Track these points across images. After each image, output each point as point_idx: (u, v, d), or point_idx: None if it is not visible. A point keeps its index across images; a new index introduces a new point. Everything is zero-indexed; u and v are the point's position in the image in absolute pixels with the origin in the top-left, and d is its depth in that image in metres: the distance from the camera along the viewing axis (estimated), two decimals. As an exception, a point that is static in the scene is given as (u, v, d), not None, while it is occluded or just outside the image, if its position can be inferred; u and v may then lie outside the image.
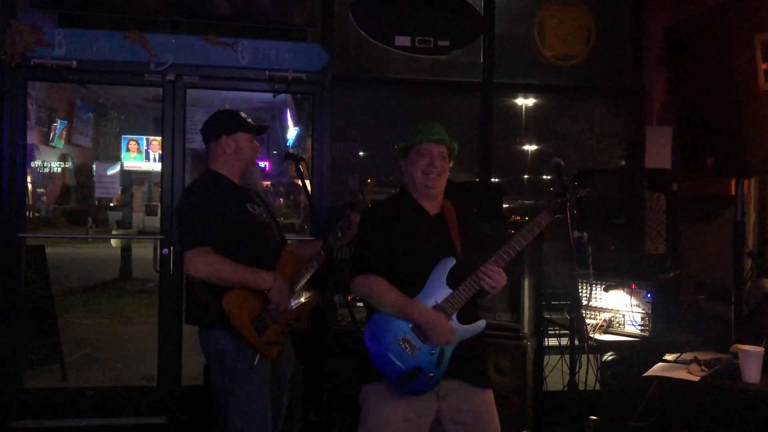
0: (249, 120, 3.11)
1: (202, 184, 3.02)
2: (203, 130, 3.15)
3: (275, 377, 3.07)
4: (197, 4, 4.71)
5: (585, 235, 2.62)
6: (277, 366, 3.07)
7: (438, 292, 2.57)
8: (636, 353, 3.90)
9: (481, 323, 2.61)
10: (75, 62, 4.59)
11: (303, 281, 3.07)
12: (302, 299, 3.11)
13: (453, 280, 2.58)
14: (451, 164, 2.77)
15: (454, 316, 2.56)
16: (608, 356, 4.19)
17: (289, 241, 3.30)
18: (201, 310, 2.95)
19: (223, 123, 3.09)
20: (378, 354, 2.55)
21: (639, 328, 3.98)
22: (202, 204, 2.90)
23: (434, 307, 2.55)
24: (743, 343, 3.28)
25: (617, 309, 4.07)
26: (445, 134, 2.72)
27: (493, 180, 5.30)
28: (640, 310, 3.98)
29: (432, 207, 2.75)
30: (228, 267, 2.83)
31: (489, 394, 2.72)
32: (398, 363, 2.52)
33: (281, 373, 3.13)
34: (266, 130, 3.20)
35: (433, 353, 2.54)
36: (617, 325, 4.06)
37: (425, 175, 2.66)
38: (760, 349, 3.10)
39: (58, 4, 4.70)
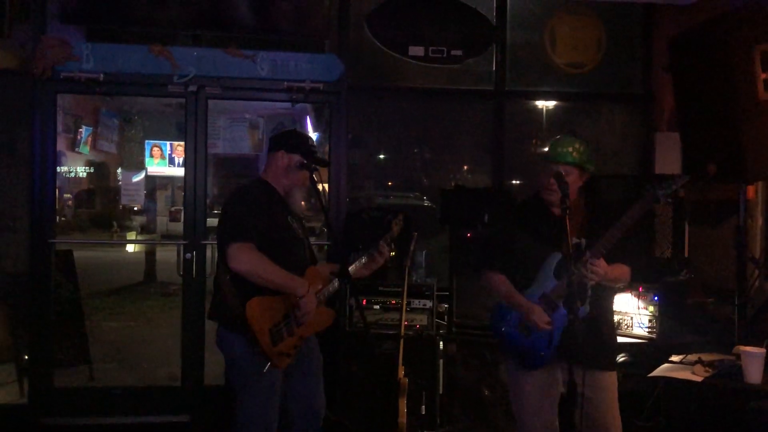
0: (313, 149, 3.22)
1: (252, 187, 3.20)
2: (271, 139, 3.34)
3: (300, 382, 3.22)
4: (219, 18, 4.85)
5: (583, 241, 2.75)
6: (302, 373, 3.23)
7: (545, 283, 2.98)
8: (643, 355, 3.99)
9: (582, 310, 2.83)
10: (102, 75, 4.78)
11: (324, 298, 3.19)
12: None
13: (562, 273, 2.92)
14: (585, 175, 3.07)
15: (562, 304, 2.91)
16: (619, 357, 4.27)
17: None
18: (224, 309, 3.05)
19: (287, 140, 3.24)
20: (506, 334, 3.09)
21: (646, 330, 4.08)
22: (249, 203, 3.04)
23: (541, 296, 2.96)
24: (747, 345, 3.37)
25: (625, 311, 4.17)
26: (571, 154, 3.02)
27: (511, 184, 5.42)
28: (647, 312, 4.08)
29: (556, 210, 3.05)
30: (270, 266, 2.91)
31: (605, 375, 3.01)
32: (517, 343, 3.05)
33: (311, 380, 3.27)
34: (325, 165, 3.34)
35: (542, 336, 2.95)
36: (625, 327, 4.16)
37: (545, 191, 3.05)
38: (762, 350, 3.18)
39: (86, 19, 4.86)
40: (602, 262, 2.84)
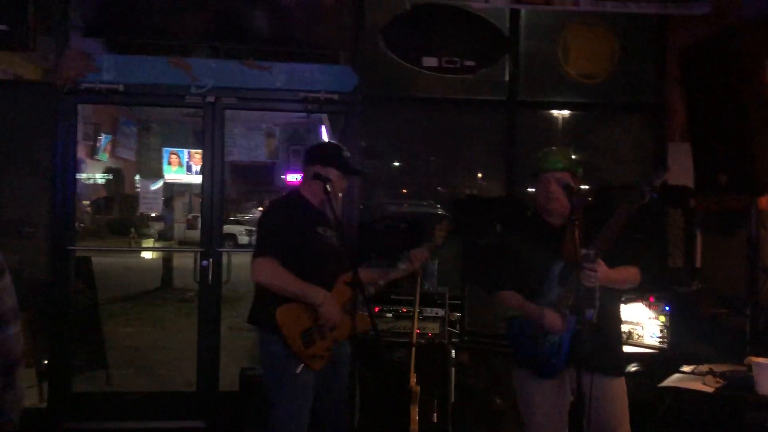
0: (347, 159, 3.32)
1: (282, 202, 3.39)
2: (306, 151, 3.44)
3: (328, 385, 3.30)
4: (236, 30, 4.95)
5: (591, 252, 2.77)
6: (331, 375, 3.30)
7: (552, 291, 3.04)
8: (654, 365, 3.99)
9: (589, 314, 2.84)
10: (122, 86, 4.88)
11: (356, 305, 3.26)
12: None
13: (565, 280, 2.97)
14: (576, 181, 3.12)
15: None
16: (631, 367, 4.28)
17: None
18: (262, 314, 3.20)
19: (322, 153, 3.35)
20: (519, 345, 3.18)
21: (657, 340, 4.09)
22: (276, 220, 3.23)
23: (550, 304, 3.01)
24: (759, 356, 3.37)
25: (636, 321, 4.18)
26: (562, 161, 3.09)
27: (523, 193, 5.44)
28: (658, 322, 4.09)
29: (556, 220, 3.13)
30: (285, 279, 3.08)
31: (612, 382, 3.03)
32: (530, 353, 3.11)
33: (337, 382, 3.35)
34: (358, 174, 3.44)
35: (552, 344, 3.01)
36: (636, 336, 4.17)
37: (546, 201, 3.10)
38: (773, 361, 3.20)
39: (107, 31, 4.98)
40: (600, 264, 2.84)
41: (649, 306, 4.12)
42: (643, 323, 4.18)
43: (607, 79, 5.45)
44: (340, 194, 3.40)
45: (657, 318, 4.11)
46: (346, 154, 3.35)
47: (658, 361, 3.99)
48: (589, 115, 5.71)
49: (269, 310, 3.10)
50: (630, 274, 3.05)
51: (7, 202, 4.97)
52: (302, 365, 3.12)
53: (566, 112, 5.64)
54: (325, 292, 3.13)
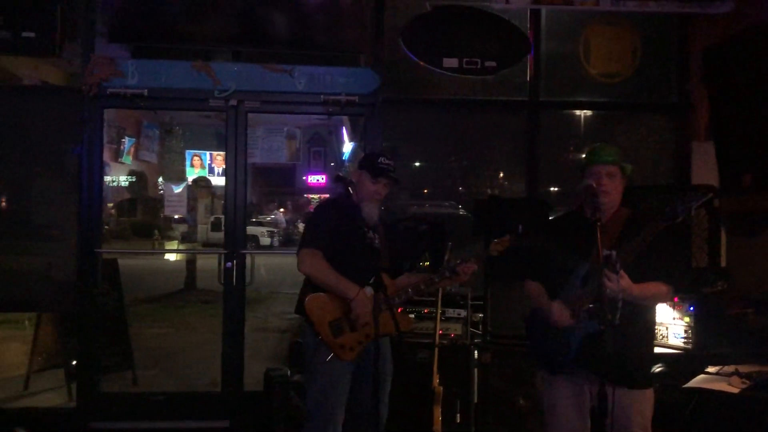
0: (380, 164, 3.42)
1: (331, 201, 3.68)
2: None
3: (363, 380, 3.35)
4: (257, 34, 5.00)
5: (613, 253, 2.74)
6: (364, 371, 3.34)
7: (574, 290, 2.99)
8: (679, 365, 3.97)
9: (598, 323, 2.82)
10: (146, 90, 4.97)
11: (391, 304, 3.28)
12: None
13: (587, 282, 2.94)
14: (625, 179, 3.09)
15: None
16: (656, 368, 4.25)
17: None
18: (301, 304, 3.37)
19: (362, 159, 3.56)
20: (532, 338, 3.26)
21: (682, 340, 4.06)
22: (323, 215, 3.47)
23: (563, 299, 3.00)
24: (786, 356, 3.35)
25: (660, 322, 4.15)
26: (613, 155, 3.06)
27: (545, 194, 5.44)
28: (682, 323, 4.06)
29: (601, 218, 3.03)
30: (325, 271, 3.28)
31: (633, 394, 2.95)
32: (541, 347, 3.17)
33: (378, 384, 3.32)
34: (383, 175, 3.42)
35: (561, 341, 3.01)
36: (660, 337, 4.14)
37: (596, 194, 2.97)
38: (800, 362, 3.17)
39: (132, 37, 5.06)
40: (622, 277, 2.76)
41: (674, 306, 4.10)
42: (667, 324, 4.16)
43: (629, 78, 5.43)
44: (376, 198, 3.44)
45: (681, 318, 4.08)
46: (380, 159, 3.45)
47: (683, 362, 3.96)
48: (612, 114, 5.69)
49: (304, 299, 3.32)
50: (658, 291, 2.96)
51: (36, 205, 5.08)
52: (331, 354, 3.26)
53: (588, 112, 5.62)
54: (357, 288, 3.26)
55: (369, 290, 3.24)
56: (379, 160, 3.43)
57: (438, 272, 3.46)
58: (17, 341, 6.43)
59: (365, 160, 3.52)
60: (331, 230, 3.36)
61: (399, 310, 4.34)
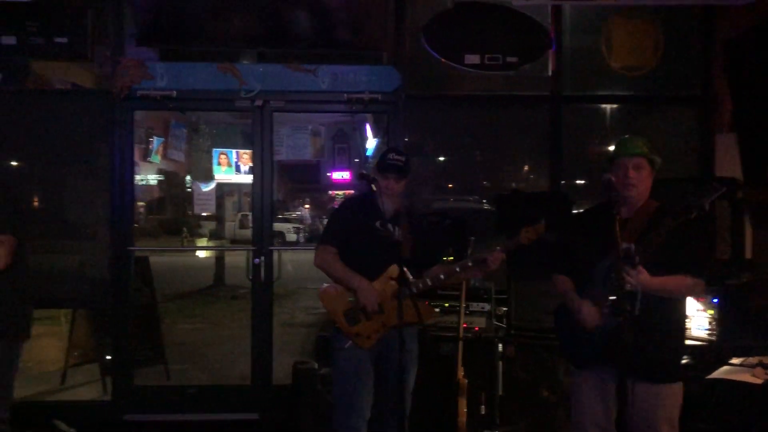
0: (387, 160, 3.51)
1: (348, 199, 3.91)
2: None
3: (390, 375, 3.43)
4: (281, 35, 5.08)
5: (632, 247, 2.77)
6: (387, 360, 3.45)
7: (596, 285, 3.02)
8: (703, 357, 3.98)
9: (617, 316, 2.83)
10: (175, 92, 5.09)
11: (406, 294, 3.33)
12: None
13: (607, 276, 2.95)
14: (653, 172, 3.09)
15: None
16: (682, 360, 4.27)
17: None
18: None
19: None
20: (560, 333, 3.30)
21: (706, 332, 4.07)
22: (337, 214, 3.70)
23: (586, 297, 3.04)
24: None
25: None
26: (641, 147, 3.04)
27: (568, 188, 5.46)
28: (706, 315, 4.07)
29: (625, 211, 3.08)
30: (333, 264, 3.48)
31: (656, 388, 2.96)
32: (566, 342, 3.23)
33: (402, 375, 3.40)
34: (391, 169, 3.48)
35: (587, 336, 3.03)
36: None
37: (623, 186, 3.01)
38: (824, 354, 3.17)
39: (160, 40, 5.17)
40: (641, 272, 2.77)
41: (697, 298, 4.10)
42: (691, 315, 4.16)
43: (651, 71, 5.39)
44: (388, 192, 3.49)
45: (705, 310, 4.09)
46: (389, 155, 3.53)
47: (707, 354, 3.97)
48: (635, 108, 5.68)
49: None
50: (680, 284, 2.94)
51: (70, 205, 5.23)
52: (350, 342, 3.42)
53: (611, 106, 5.62)
54: (360, 279, 3.41)
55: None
56: (387, 156, 3.52)
57: (460, 263, 3.48)
58: (54, 337, 6.61)
59: (378, 156, 3.64)
60: (345, 227, 3.54)
61: (426, 303, 4.44)
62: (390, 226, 3.47)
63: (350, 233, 3.51)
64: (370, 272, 3.43)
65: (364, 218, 3.50)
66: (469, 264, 3.46)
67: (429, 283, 3.47)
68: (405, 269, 3.27)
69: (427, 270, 3.56)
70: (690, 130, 5.48)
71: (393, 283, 3.34)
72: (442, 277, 3.48)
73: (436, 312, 3.61)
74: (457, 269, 3.47)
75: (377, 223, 3.47)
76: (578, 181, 5.77)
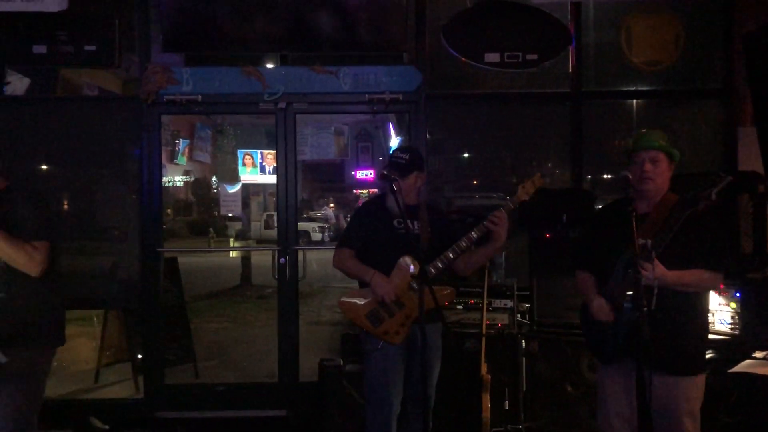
0: (391, 158, 3.67)
1: (366, 202, 4.03)
2: None
3: (415, 370, 3.54)
4: (303, 38, 5.15)
5: (648, 242, 2.80)
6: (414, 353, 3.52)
7: (616, 280, 3.05)
8: (726, 351, 3.98)
9: (626, 308, 2.95)
10: (200, 96, 5.19)
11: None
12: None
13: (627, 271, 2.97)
14: (672, 165, 3.11)
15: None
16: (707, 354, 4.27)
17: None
18: None
19: None
20: (584, 329, 3.32)
21: (728, 326, 4.07)
22: (354, 217, 3.86)
23: (605, 292, 3.08)
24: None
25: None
26: (657, 140, 3.06)
27: (590, 184, 5.46)
28: (728, 309, 4.07)
29: (644, 206, 3.11)
30: (347, 263, 3.64)
31: (674, 380, 2.98)
32: (590, 337, 3.27)
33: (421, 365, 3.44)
34: (392, 167, 3.57)
35: (607, 331, 3.08)
36: (707, 323, 4.15)
37: (639, 180, 3.05)
38: None
39: (185, 46, 5.27)
40: (656, 265, 2.81)
41: (719, 293, 4.11)
42: (714, 310, 4.16)
43: (672, 65, 5.38)
44: (405, 189, 3.57)
45: (728, 304, 4.09)
46: (394, 153, 3.69)
47: (730, 348, 3.97)
48: (656, 103, 5.67)
49: None
50: (697, 278, 2.97)
51: (101, 208, 5.38)
52: (381, 342, 3.51)
53: (632, 101, 5.61)
54: (372, 272, 3.51)
55: (407, 260, 3.46)
56: (392, 155, 3.67)
57: (465, 237, 3.49)
58: (87, 337, 6.79)
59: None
60: (362, 230, 3.67)
61: (446, 303, 4.48)
62: (408, 222, 3.51)
63: (369, 235, 3.63)
64: (391, 269, 3.52)
65: (382, 218, 3.61)
66: (473, 235, 3.47)
67: (440, 265, 3.49)
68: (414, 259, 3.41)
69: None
70: (713, 124, 5.45)
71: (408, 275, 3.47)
72: (451, 255, 3.48)
73: (452, 292, 3.61)
74: (463, 243, 3.48)
75: (394, 222, 3.57)
76: (606, 175, 5.77)
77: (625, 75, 5.50)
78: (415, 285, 3.45)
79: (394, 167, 3.55)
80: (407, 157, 3.62)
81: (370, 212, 3.74)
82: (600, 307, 3.07)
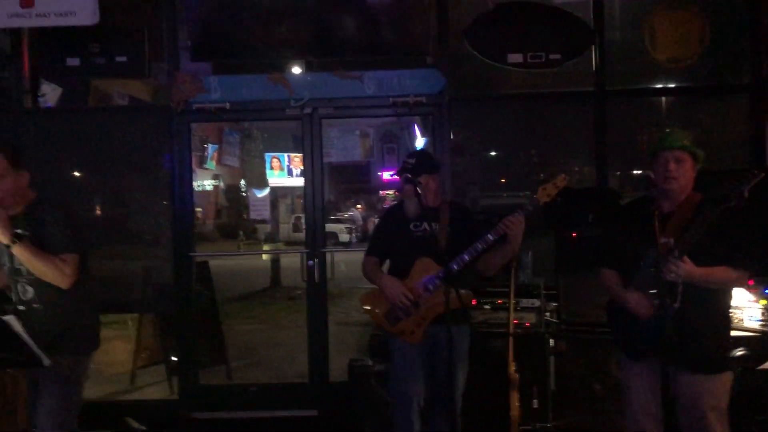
0: (402, 164, 3.79)
1: (386, 209, 4.17)
2: None
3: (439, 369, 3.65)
4: (327, 44, 5.23)
5: (671, 241, 2.81)
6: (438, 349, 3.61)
7: (644, 277, 3.06)
8: (757, 348, 3.95)
9: (671, 308, 2.92)
10: (228, 104, 5.30)
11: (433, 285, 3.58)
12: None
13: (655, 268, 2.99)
14: (696, 166, 3.12)
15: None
16: (737, 352, 4.24)
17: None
18: None
19: None
20: (613, 327, 3.33)
21: (759, 323, 4.05)
22: (376, 225, 4.08)
23: (634, 290, 3.09)
24: None
25: (735, 305, 4.13)
26: (681, 140, 3.07)
27: (615, 183, 5.45)
28: (758, 305, 4.05)
29: (668, 205, 3.13)
30: (367, 270, 3.82)
31: (698, 378, 2.99)
32: (620, 335, 3.27)
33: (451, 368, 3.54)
34: (402, 172, 3.70)
35: (637, 328, 3.09)
36: (736, 320, 4.13)
37: (663, 180, 3.07)
38: None
39: (213, 55, 5.38)
40: (685, 262, 2.83)
41: (749, 289, 4.08)
42: (743, 307, 4.14)
43: (697, 62, 5.33)
44: (421, 191, 3.62)
45: (758, 301, 4.06)
46: (405, 159, 3.78)
47: (761, 344, 3.95)
48: (682, 100, 5.62)
49: None
50: (724, 276, 2.97)
51: (134, 214, 5.50)
52: (399, 340, 3.66)
53: (657, 99, 5.58)
54: (385, 276, 3.71)
55: (425, 260, 3.60)
56: (403, 161, 3.77)
57: (480, 239, 3.48)
58: (122, 341, 6.93)
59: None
60: (383, 238, 3.89)
61: (473, 302, 4.54)
62: (426, 224, 3.64)
63: (387, 240, 3.83)
64: (406, 270, 3.68)
65: (399, 222, 3.75)
66: (490, 237, 3.47)
67: (455, 267, 3.45)
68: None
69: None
70: (740, 120, 5.40)
71: (422, 275, 3.58)
72: (466, 257, 3.48)
73: (467, 293, 3.67)
74: (479, 245, 3.48)
75: (411, 225, 3.68)
76: (634, 171, 5.75)
77: (649, 72, 5.48)
78: (430, 287, 3.55)
79: (403, 172, 3.68)
80: (413, 161, 3.71)
81: (388, 218, 3.93)
82: (638, 301, 3.07)
